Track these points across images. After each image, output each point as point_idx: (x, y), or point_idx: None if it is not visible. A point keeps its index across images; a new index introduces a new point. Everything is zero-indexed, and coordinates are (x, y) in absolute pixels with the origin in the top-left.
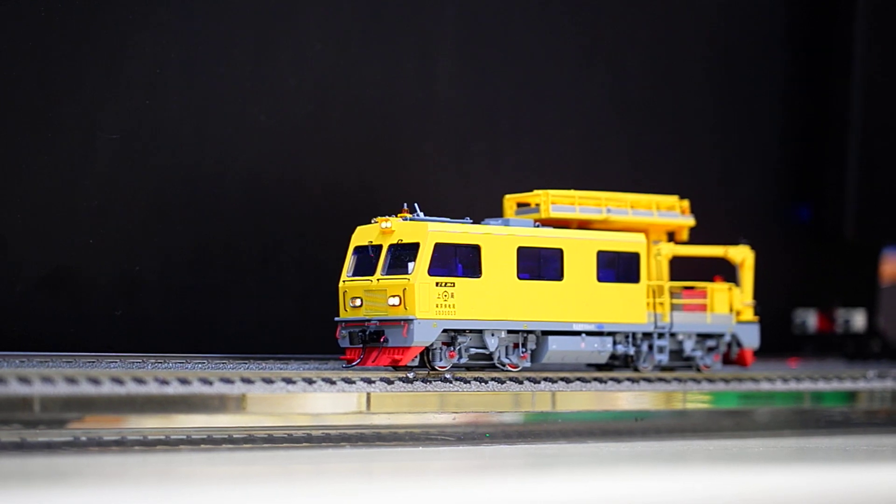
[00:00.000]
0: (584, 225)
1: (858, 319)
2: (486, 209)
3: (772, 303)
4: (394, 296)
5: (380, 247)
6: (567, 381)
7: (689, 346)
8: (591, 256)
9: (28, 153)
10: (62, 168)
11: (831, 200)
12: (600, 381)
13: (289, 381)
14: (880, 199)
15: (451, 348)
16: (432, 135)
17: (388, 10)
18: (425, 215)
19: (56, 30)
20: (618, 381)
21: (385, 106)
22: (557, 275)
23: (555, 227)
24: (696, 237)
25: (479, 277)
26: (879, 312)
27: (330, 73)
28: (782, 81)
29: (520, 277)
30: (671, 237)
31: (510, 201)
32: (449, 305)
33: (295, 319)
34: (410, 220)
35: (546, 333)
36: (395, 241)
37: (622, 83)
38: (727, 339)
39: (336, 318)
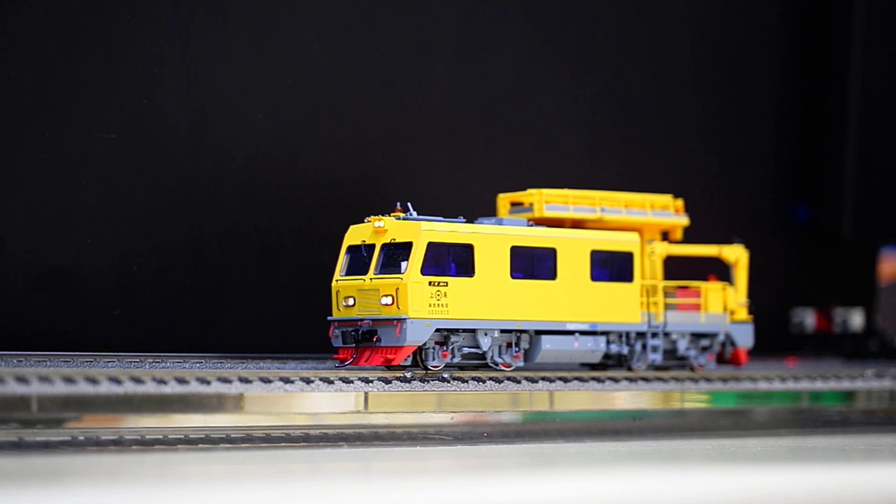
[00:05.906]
0: (577, 224)
1: (856, 319)
2: (479, 208)
3: (770, 302)
4: (386, 295)
5: (373, 246)
6: (565, 380)
7: (682, 345)
8: (585, 256)
9: (26, 152)
10: (60, 167)
11: (829, 199)
12: (598, 380)
13: (286, 380)
14: (878, 198)
15: (444, 348)
16: (427, 134)
17: (386, 9)
18: (418, 214)
19: (54, 29)
20: (615, 380)
21: (381, 105)
22: (551, 274)
23: (548, 226)
24: (690, 236)
25: (472, 277)
26: (877, 312)
27: (327, 72)
28: (779, 80)
29: (513, 277)
30: (665, 236)
31: (504, 200)
32: (442, 305)
33: (293, 318)
34: (403, 219)
35: (539, 333)
36: (388, 241)
37: (618, 82)
38: (721, 338)
39: (329, 318)
